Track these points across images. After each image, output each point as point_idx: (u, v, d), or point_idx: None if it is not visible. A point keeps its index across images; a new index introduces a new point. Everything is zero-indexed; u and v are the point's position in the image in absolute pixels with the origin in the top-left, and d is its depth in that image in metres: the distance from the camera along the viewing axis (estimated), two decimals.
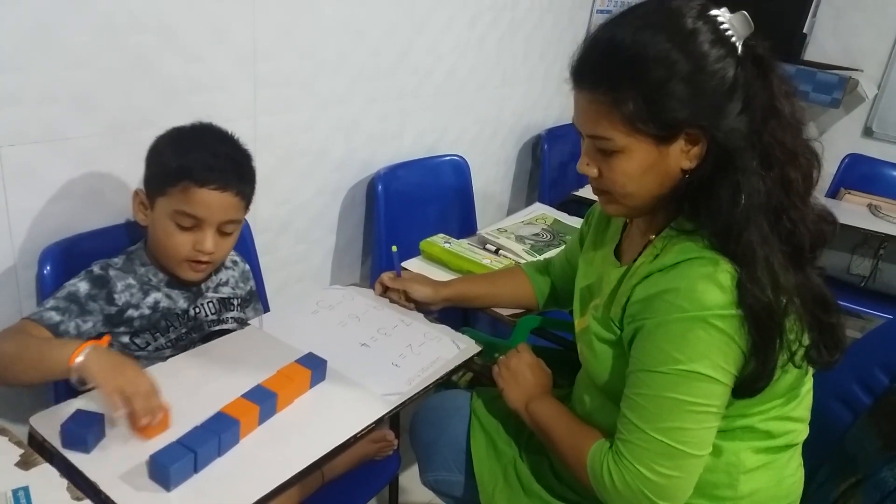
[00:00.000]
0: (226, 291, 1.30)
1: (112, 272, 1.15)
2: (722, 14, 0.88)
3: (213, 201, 1.11)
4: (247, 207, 1.19)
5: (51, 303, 1.08)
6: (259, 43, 1.48)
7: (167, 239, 1.13)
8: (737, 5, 0.90)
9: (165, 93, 1.33)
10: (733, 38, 0.87)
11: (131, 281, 1.16)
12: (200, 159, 1.10)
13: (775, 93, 0.88)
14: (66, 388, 1.07)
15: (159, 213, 1.13)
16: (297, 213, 1.76)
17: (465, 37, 2.10)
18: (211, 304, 1.26)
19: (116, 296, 1.14)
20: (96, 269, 1.14)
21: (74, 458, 0.87)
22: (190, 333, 1.21)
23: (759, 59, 0.88)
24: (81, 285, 1.11)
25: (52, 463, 0.85)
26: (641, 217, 1.03)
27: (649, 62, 0.84)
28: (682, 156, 0.90)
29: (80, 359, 0.90)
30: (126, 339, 1.15)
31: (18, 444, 0.87)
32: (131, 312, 1.15)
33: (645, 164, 0.90)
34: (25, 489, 0.80)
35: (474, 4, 2.08)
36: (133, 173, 1.32)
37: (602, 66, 0.88)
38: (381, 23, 1.78)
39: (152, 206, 1.14)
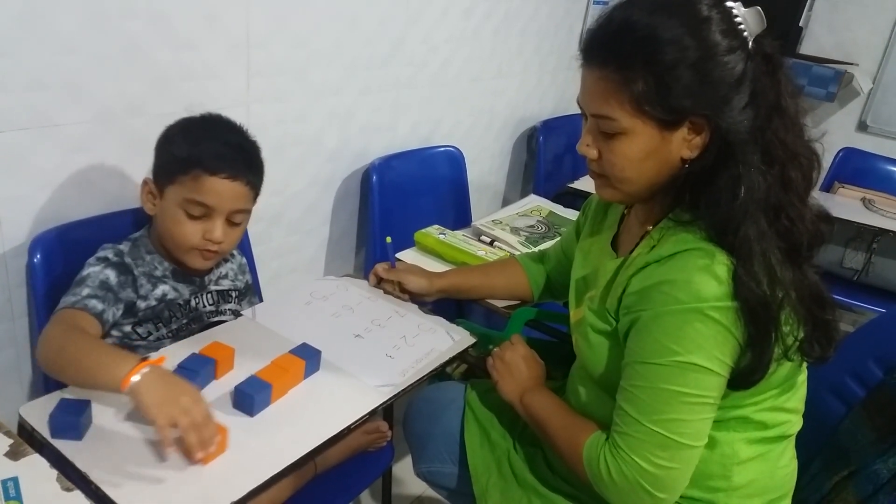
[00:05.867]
0: (225, 284, 1.30)
1: (127, 260, 1.15)
2: (736, 7, 0.88)
3: (223, 190, 1.12)
4: (255, 198, 1.20)
5: (86, 290, 1.06)
6: (252, 31, 1.46)
7: (176, 227, 1.13)
8: None
9: (157, 80, 1.32)
10: (745, 33, 0.87)
11: (140, 271, 1.16)
12: (212, 148, 1.11)
13: (782, 91, 0.88)
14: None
15: (169, 202, 1.13)
16: (290, 203, 1.75)
17: (460, 28, 2.08)
18: (210, 296, 1.26)
19: (136, 284, 1.14)
20: (112, 256, 1.13)
21: (64, 448, 0.86)
22: (190, 325, 1.21)
23: (768, 57, 0.88)
24: (109, 273, 1.10)
25: (41, 453, 0.84)
26: (637, 206, 1.03)
27: (662, 44, 0.84)
28: (683, 144, 0.90)
29: (135, 379, 0.85)
30: (129, 328, 1.14)
31: (8, 434, 0.86)
32: (139, 303, 1.14)
33: (646, 149, 0.89)
34: (15, 480, 0.79)
35: None
36: (124, 161, 1.31)
37: (614, 43, 0.88)
38: (376, 13, 1.76)
39: (161, 195, 1.14)
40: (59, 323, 1.02)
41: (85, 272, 1.10)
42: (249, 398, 0.95)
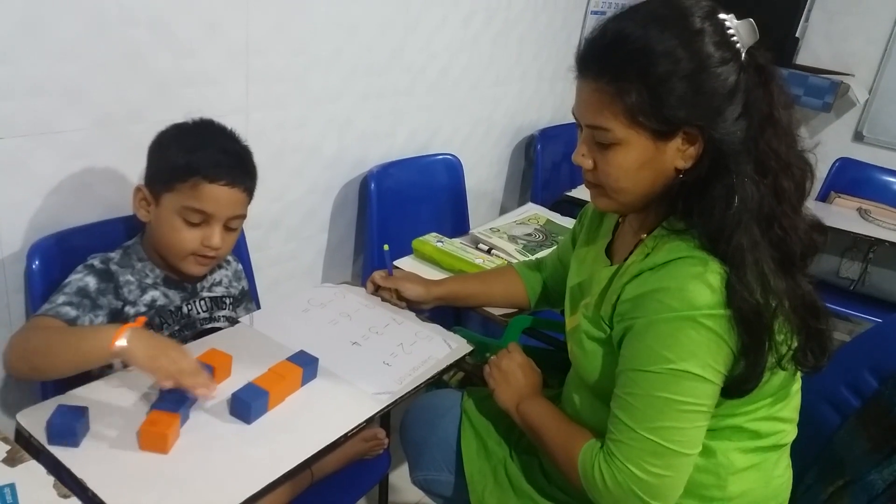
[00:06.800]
0: (219, 291, 1.30)
1: (113, 267, 1.15)
2: (729, 19, 0.89)
3: (222, 197, 1.12)
4: (249, 202, 1.20)
5: (62, 298, 1.07)
6: (252, 38, 1.47)
7: (174, 234, 1.13)
8: (730, 8, 0.90)
9: (157, 87, 1.32)
10: (738, 45, 0.88)
11: (130, 277, 1.16)
12: (210, 156, 1.12)
13: (775, 102, 0.89)
14: (54, 384, 1.06)
15: (165, 209, 1.13)
16: (288, 210, 1.76)
17: (459, 36, 2.10)
18: (203, 303, 1.26)
19: (121, 291, 1.14)
20: (97, 263, 1.14)
21: (61, 454, 0.86)
22: (182, 331, 1.21)
23: (760, 68, 0.89)
24: (89, 280, 1.10)
25: (38, 460, 0.84)
26: (632, 215, 1.03)
27: (655, 56, 0.85)
28: (677, 155, 0.90)
29: (121, 342, 0.91)
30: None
31: (5, 440, 0.86)
32: (128, 309, 1.14)
33: (641, 160, 0.90)
34: (11, 486, 0.79)
35: (468, 4, 2.08)
36: (124, 168, 1.32)
37: (609, 55, 0.89)
38: (375, 20, 1.77)
39: (157, 202, 1.14)
40: (27, 329, 1.04)
41: (67, 280, 1.10)
42: (246, 405, 0.96)
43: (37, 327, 1.03)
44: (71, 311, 1.06)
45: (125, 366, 0.94)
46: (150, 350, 0.92)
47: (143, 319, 1.00)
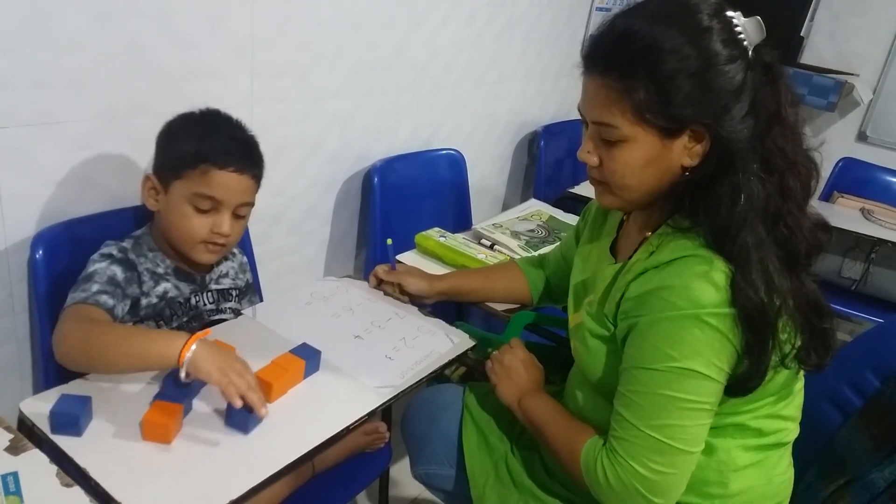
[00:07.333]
0: (226, 283, 1.30)
1: (131, 256, 1.15)
2: (737, 17, 0.88)
3: (231, 183, 1.14)
4: (257, 190, 1.21)
5: (96, 286, 1.07)
6: (256, 33, 1.47)
7: (184, 222, 1.14)
8: (735, 6, 0.90)
9: (161, 80, 1.32)
10: (745, 42, 0.87)
11: (144, 268, 1.16)
12: (219, 143, 1.13)
13: (782, 100, 0.89)
14: (56, 373, 1.06)
15: (175, 197, 1.14)
16: (291, 204, 1.76)
17: (463, 33, 2.09)
18: (210, 295, 1.26)
19: (140, 280, 1.15)
20: (115, 252, 1.14)
21: (64, 443, 0.86)
22: (190, 322, 1.22)
23: (767, 66, 0.89)
24: (116, 269, 1.11)
25: (41, 449, 0.84)
26: (636, 212, 1.03)
27: (663, 53, 0.85)
28: (684, 152, 0.90)
29: (189, 354, 0.91)
30: (130, 325, 1.14)
31: (8, 429, 0.86)
32: (142, 300, 1.15)
33: (647, 157, 0.90)
34: (14, 475, 0.79)
35: (471, 1, 2.07)
36: (127, 159, 1.32)
37: (616, 52, 0.88)
38: (379, 16, 1.77)
39: (166, 191, 1.15)
40: (73, 318, 1.02)
41: (91, 269, 1.10)
42: (244, 415, 0.92)
43: (85, 317, 1.02)
44: (109, 300, 1.06)
45: (188, 376, 0.92)
46: (219, 363, 0.92)
47: (209, 331, 0.99)
